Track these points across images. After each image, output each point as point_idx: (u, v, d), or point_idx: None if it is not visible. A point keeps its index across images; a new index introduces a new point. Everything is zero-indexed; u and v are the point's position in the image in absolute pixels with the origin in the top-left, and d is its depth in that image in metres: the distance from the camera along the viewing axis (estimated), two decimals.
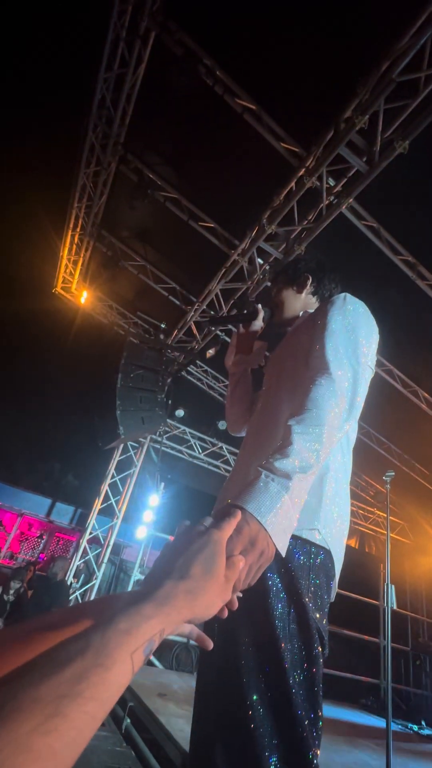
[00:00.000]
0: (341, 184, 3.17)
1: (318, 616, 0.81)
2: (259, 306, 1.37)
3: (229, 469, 6.75)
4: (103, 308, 5.99)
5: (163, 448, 5.78)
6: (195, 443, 6.55)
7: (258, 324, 1.36)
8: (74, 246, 5.18)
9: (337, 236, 4.00)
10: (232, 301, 4.63)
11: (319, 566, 0.85)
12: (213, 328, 4.94)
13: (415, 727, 4.28)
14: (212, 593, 0.44)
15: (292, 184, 3.28)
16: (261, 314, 1.35)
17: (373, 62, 2.51)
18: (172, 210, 4.27)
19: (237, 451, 6.83)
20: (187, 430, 6.50)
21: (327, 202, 3.28)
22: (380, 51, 2.47)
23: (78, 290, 5.74)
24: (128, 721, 2.97)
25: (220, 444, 6.66)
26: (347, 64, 2.79)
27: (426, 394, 5.30)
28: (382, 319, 3.93)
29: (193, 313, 4.98)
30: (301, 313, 1.28)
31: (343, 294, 1.11)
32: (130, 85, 3.45)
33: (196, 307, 4.91)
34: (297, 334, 1.17)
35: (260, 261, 4.17)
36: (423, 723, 4.48)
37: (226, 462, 6.74)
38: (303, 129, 3.23)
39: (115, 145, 3.86)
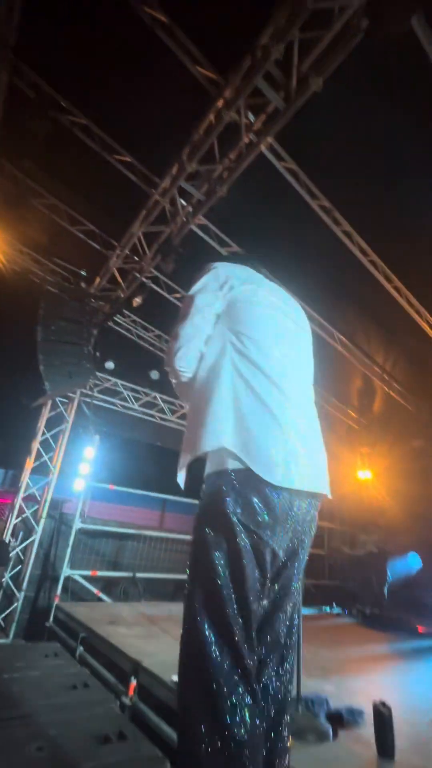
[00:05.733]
0: (260, 121, 3.10)
1: None
2: None
3: (165, 417, 6.90)
4: (13, 254, 5.36)
5: (94, 401, 5.67)
6: (128, 395, 6.52)
7: None
8: None
9: (258, 178, 3.97)
10: (156, 247, 4.45)
11: None
12: (138, 275, 4.75)
13: (327, 609, 5.36)
14: None
15: (211, 117, 3.12)
16: None
17: None
18: (82, 139, 3.83)
19: (171, 399, 6.91)
20: (119, 382, 6.41)
21: (247, 140, 3.20)
22: None
23: None
24: (81, 648, 3.21)
25: (154, 394, 6.71)
26: None
27: (342, 337, 5.80)
28: (301, 261, 4.15)
29: (115, 259, 4.70)
30: None
31: None
32: None
33: (117, 252, 4.64)
34: None
35: (183, 203, 4.01)
36: (333, 604, 5.60)
37: (162, 411, 6.86)
38: (220, 53, 3.02)
39: (3, 49, 3.25)
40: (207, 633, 0.95)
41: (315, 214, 4.01)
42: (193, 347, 1.25)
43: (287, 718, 1.08)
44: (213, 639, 0.95)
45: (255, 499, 1.02)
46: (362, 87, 3.15)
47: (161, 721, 2.17)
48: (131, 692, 2.48)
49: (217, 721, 0.88)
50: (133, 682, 2.52)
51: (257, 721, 0.92)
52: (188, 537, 4.96)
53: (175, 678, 2.36)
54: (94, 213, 4.87)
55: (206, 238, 4.53)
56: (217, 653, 0.93)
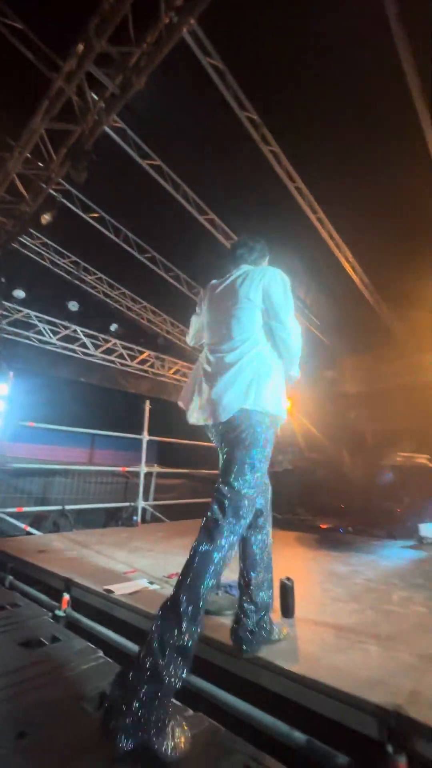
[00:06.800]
0: None
1: None
2: None
3: (89, 352, 6.55)
4: None
5: (4, 334, 5.12)
6: (44, 328, 5.98)
7: None
8: None
9: (182, 80, 3.52)
10: (65, 150, 3.82)
11: None
12: (45, 186, 4.10)
13: None
14: None
15: None
16: None
17: None
18: None
19: (94, 333, 6.55)
20: (32, 313, 5.81)
21: (167, 19, 2.74)
22: None
23: None
24: (11, 577, 3.20)
25: (74, 327, 6.25)
26: None
27: None
28: (225, 182, 3.91)
29: (13, 162, 3.96)
30: None
31: None
32: None
33: (16, 153, 3.90)
34: None
35: (94, 96, 3.42)
36: None
37: (84, 346, 6.48)
38: None
39: None
40: None
41: (242, 129, 3.74)
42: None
43: None
44: None
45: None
46: None
47: (95, 624, 2.34)
48: (65, 605, 2.60)
49: None
50: (66, 597, 2.63)
51: None
52: (118, 469, 4.96)
53: (107, 587, 2.53)
54: None
55: (124, 145, 4.02)
56: None
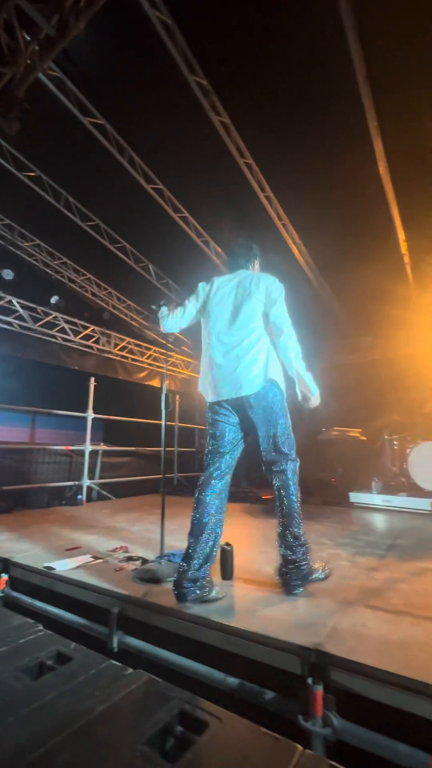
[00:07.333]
0: None
1: None
2: None
3: (26, 325, 6.11)
4: None
5: None
6: None
7: None
8: None
9: (128, 31, 3.28)
10: None
11: None
12: None
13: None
14: None
15: None
16: None
17: None
18: None
19: (32, 305, 6.11)
20: None
21: None
22: None
23: None
24: None
25: (9, 297, 5.78)
26: None
27: (195, 221, 5.59)
28: (170, 147, 3.74)
29: None
30: None
31: None
32: None
33: None
34: None
35: (26, 36, 3.06)
36: None
37: (21, 318, 6.03)
38: None
39: None
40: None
41: (192, 94, 3.59)
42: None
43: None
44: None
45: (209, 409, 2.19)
46: None
47: (35, 600, 2.30)
48: (2, 586, 2.52)
49: None
50: (4, 577, 2.55)
51: None
52: (60, 447, 4.77)
53: (48, 564, 2.49)
54: None
55: (62, 97, 3.68)
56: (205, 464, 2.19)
